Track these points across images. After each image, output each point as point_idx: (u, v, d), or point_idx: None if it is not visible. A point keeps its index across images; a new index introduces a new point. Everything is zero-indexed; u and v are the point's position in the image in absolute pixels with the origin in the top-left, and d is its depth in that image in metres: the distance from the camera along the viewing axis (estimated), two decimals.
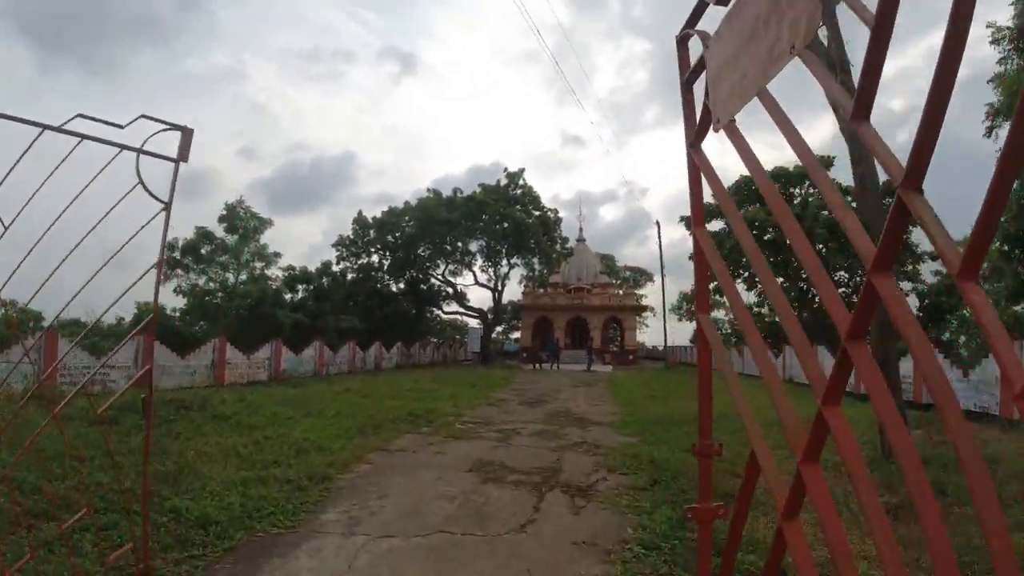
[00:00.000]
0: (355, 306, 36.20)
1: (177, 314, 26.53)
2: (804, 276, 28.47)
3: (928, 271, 28.39)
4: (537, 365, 35.74)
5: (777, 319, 22.69)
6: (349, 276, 36.45)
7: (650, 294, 66.55)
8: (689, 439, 9.17)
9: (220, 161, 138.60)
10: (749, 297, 33.29)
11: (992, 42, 16.31)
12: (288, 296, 29.27)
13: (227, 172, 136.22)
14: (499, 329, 69.55)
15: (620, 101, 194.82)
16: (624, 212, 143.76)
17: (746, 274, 31.03)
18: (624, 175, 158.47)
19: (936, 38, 0.94)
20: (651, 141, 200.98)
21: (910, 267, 26.47)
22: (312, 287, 29.12)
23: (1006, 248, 15.65)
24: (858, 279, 27.34)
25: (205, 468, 6.39)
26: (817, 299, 29.88)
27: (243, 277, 30.86)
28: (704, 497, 1.86)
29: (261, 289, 25.00)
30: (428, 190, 34.94)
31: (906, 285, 27.49)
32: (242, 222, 29.73)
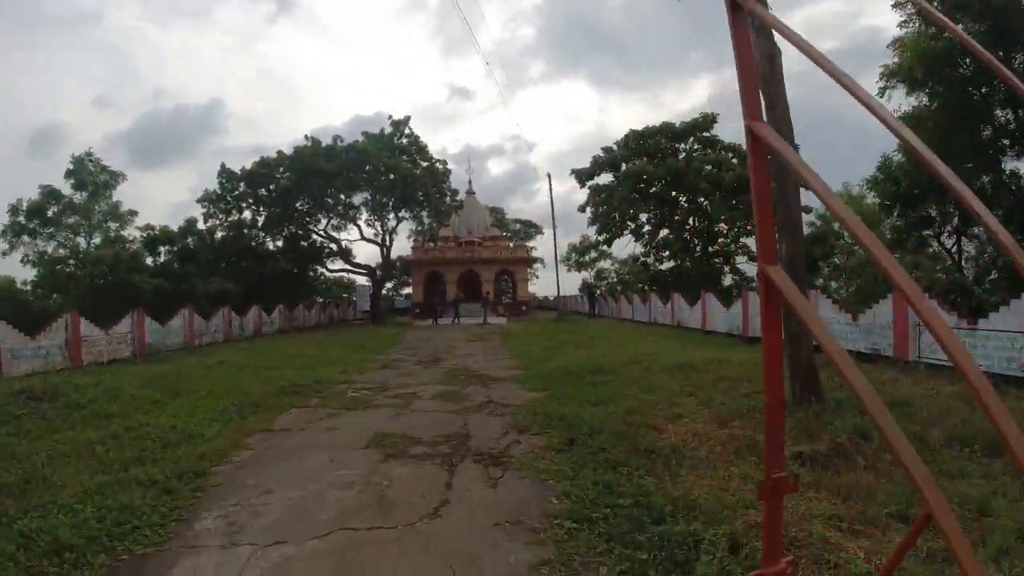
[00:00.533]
0: (228, 267, 33.29)
1: (28, 287, 22.90)
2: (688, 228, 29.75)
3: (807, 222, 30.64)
4: (435, 320, 35.09)
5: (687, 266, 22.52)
6: (219, 235, 33.29)
7: (539, 246, 67.59)
8: (595, 391, 9.06)
9: (72, 113, 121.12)
10: (635, 248, 34.47)
11: (894, 5, 17.07)
12: (149, 260, 26.14)
13: (80, 125, 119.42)
14: (389, 286, 67.78)
15: (506, 55, 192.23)
16: (512, 166, 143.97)
17: (632, 225, 32.04)
18: (513, 128, 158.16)
19: None
20: (538, 96, 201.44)
21: None
22: (175, 248, 26.09)
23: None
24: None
25: (57, 474, 5.29)
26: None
27: (97, 240, 27.18)
28: (771, 556, 1.33)
29: (115, 253, 22.01)
30: (306, 137, 32.30)
31: None
32: (91, 177, 25.93)
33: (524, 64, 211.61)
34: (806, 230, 30.45)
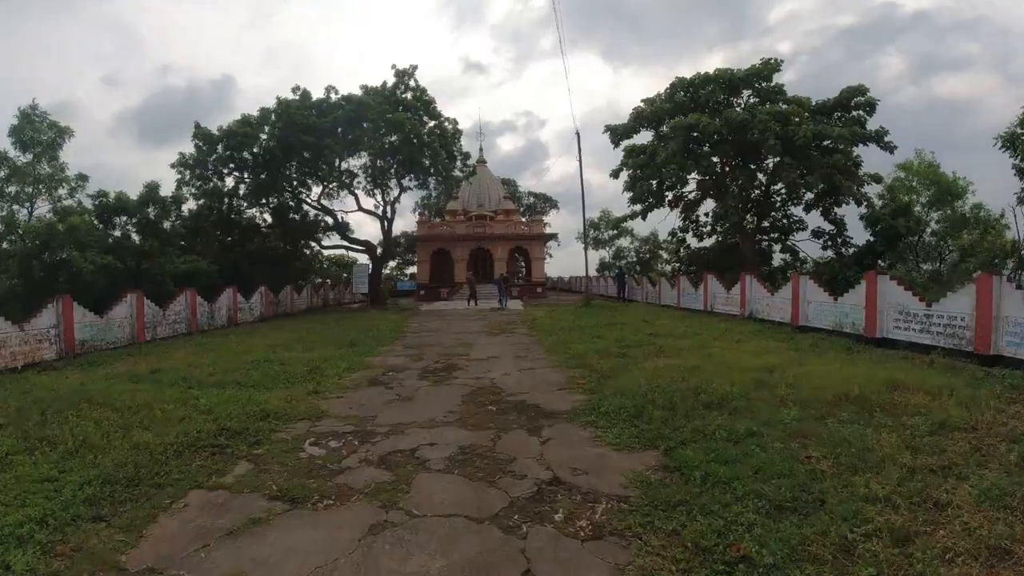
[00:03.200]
0: (205, 244, 28.94)
1: None
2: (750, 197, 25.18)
3: (874, 193, 26.02)
4: (472, 302, 30.70)
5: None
6: (191, 204, 28.79)
7: (551, 225, 62.92)
8: (743, 455, 4.28)
9: (81, 91, 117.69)
10: (673, 220, 29.88)
11: None
12: (109, 234, 21.71)
13: (90, 103, 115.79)
14: (392, 264, 63.47)
15: (518, 28, 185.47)
16: (523, 143, 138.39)
17: (670, 196, 27.41)
18: (522, 104, 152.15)
19: None
20: (548, 70, 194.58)
21: (855, 189, 23.63)
22: (135, 220, 21.65)
23: None
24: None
25: None
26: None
27: (43, 210, 22.83)
28: None
29: (49, 224, 17.61)
30: (293, 90, 27.53)
31: (853, 209, 24.93)
32: (35, 135, 21.54)
33: (535, 36, 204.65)
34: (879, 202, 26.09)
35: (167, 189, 26.21)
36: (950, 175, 27.95)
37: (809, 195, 26.26)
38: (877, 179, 25.65)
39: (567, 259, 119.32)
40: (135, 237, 22.09)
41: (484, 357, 12.15)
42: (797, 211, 27.39)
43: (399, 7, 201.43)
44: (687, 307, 21.79)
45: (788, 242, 27.46)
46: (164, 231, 23.67)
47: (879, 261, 22.75)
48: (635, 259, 59.76)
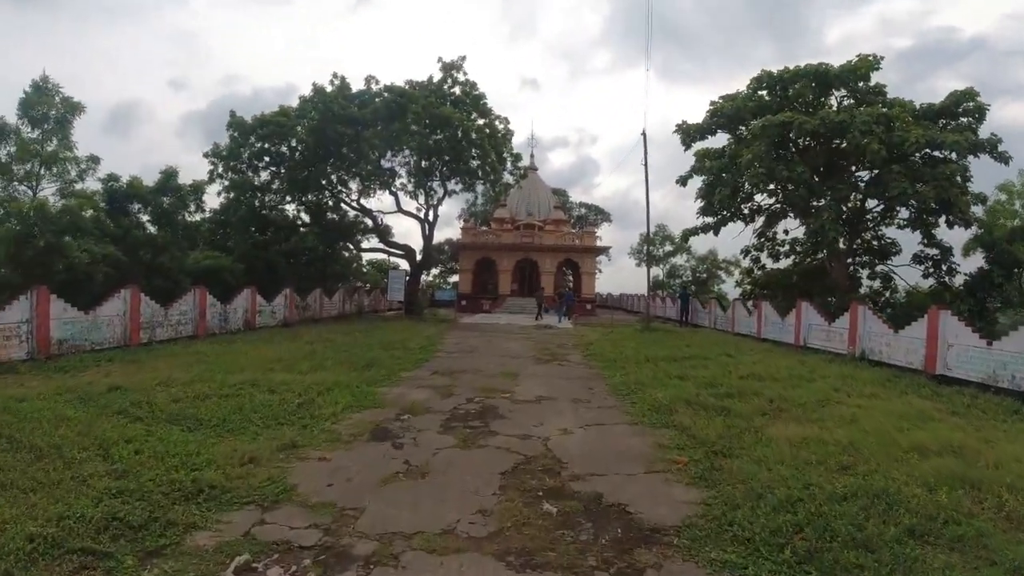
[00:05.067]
0: (234, 239, 27.08)
1: None
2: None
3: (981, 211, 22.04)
4: (539, 317, 30.12)
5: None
6: (220, 196, 26.98)
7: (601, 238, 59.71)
8: None
9: (148, 93, 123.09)
10: (747, 237, 26.38)
11: None
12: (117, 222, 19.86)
13: (157, 104, 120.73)
14: (434, 272, 61.31)
15: (570, 44, 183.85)
16: (573, 159, 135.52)
17: (747, 209, 23.99)
18: (572, 120, 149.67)
19: None
20: (601, 87, 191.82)
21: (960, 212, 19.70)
22: (149, 208, 19.70)
23: None
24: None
25: None
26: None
27: (49, 192, 21.10)
28: None
29: (39, 205, 15.64)
30: (333, 76, 25.33)
31: (958, 234, 21.08)
32: (43, 110, 19.94)
33: (588, 54, 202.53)
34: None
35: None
36: None
37: (905, 213, 22.52)
38: (983, 199, 21.69)
39: (616, 275, 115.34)
40: (151, 228, 20.18)
41: (533, 397, 9.23)
42: (889, 231, 23.71)
43: (455, 24, 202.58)
44: (770, 338, 18.39)
45: (882, 266, 23.63)
46: (182, 222, 21.73)
47: (993, 292, 18.91)
48: (690, 278, 55.98)
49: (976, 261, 21.36)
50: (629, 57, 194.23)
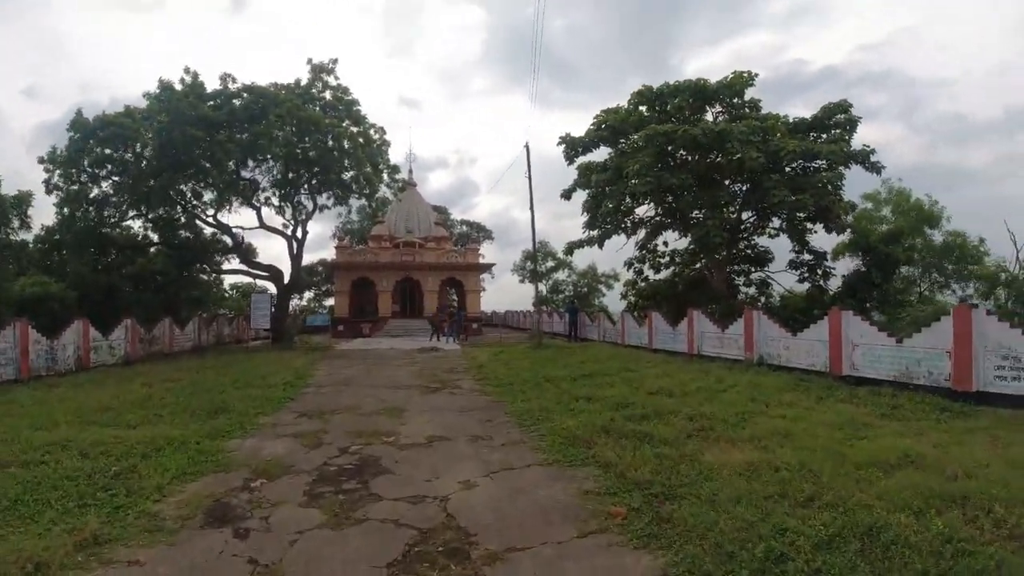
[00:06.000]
0: (69, 261, 22.97)
1: None
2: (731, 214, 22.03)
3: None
4: (436, 337, 29.69)
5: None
6: (55, 211, 22.76)
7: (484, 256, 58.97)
8: None
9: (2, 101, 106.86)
10: (629, 250, 26.47)
11: None
12: None
13: (9, 113, 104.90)
14: (308, 295, 57.18)
15: (450, 67, 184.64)
16: (452, 179, 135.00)
17: (629, 222, 23.96)
18: (448, 142, 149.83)
19: None
20: (476, 109, 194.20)
21: (837, 218, 20.84)
22: None
23: None
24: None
25: None
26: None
27: None
28: None
29: None
30: (185, 72, 22.10)
31: (824, 239, 22.36)
32: None
33: (466, 76, 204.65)
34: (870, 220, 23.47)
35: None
36: (925, 201, 26.15)
37: (776, 223, 23.63)
38: (852, 207, 23.26)
39: (498, 293, 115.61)
40: None
41: (423, 439, 7.61)
42: (762, 240, 24.78)
43: (334, 40, 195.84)
44: (663, 348, 18.06)
45: (759, 273, 24.54)
46: (6, 242, 17.73)
47: (873, 292, 20.03)
48: (571, 293, 56.61)
49: (847, 264, 22.67)
50: (505, 82, 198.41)
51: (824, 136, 21.14)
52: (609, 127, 21.44)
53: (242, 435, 7.90)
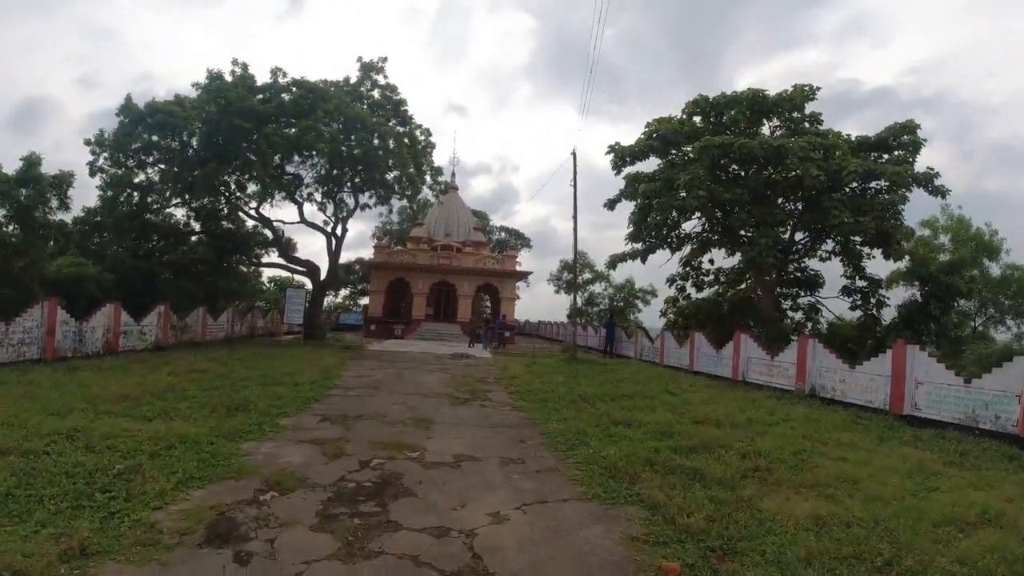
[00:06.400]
0: (107, 245, 23.35)
1: None
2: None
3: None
4: (474, 344, 29.79)
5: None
6: (98, 194, 23.18)
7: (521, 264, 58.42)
8: None
9: (55, 88, 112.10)
10: (671, 267, 25.56)
11: None
12: None
13: (65, 101, 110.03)
14: (344, 293, 57.56)
15: (497, 74, 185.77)
16: (494, 185, 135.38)
17: (675, 237, 23.09)
18: (491, 150, 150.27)
19: None
20: (521, 119, 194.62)
21: (897, 244, 19.59)
22: (6, 203, 16.11)
23: None
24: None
25: None
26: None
27: None
28: None
29: None
30: (234, 63, 22.24)
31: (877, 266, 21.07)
32: None
33: (511, 85, 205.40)
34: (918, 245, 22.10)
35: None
36: (985, 231, 24.52)
37: (829, 245, 22.45)
38: (911, 233, 21.91)
39: (532, 302, 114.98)
40: (12, 227, 16.65)
41: (451, 457, 7.04)
42: (811, 263, 23.59)
43: (384, 44, 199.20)
44: (705, 372, 17.16)
45: (809, 298, 23.34)
46: (42, 221, 17.98)
47: (931, 324, 18.71)
48: (607, 306, 55.62)
49: (899, 294, 21.36)
50: (551, 91, 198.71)
51: (886, 157, 19.99)
52: (660, 136, 20.68)
53: (260, 437, 7.47)
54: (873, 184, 19.01)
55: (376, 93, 24.17)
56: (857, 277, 21.70)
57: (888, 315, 20.75)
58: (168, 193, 24.32)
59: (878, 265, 21.69)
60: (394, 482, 5.88)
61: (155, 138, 22.76)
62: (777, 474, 6.49)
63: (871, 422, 9.92)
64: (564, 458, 7.23)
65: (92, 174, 22.94)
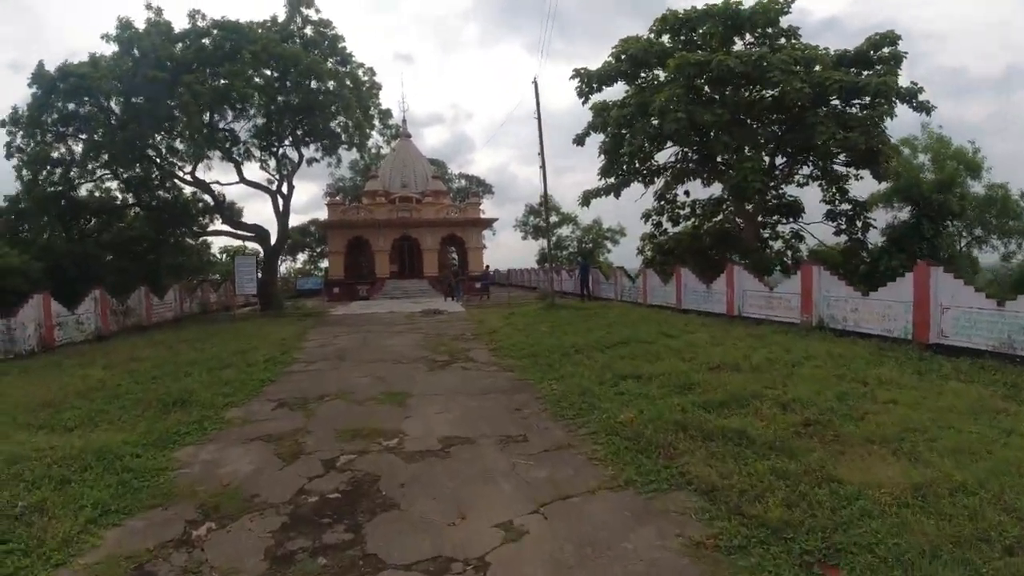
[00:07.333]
0: (33, 229, 21.14)
1: None
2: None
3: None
4: (448, 298, 29.24)
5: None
6: (15, 176, 20.78)
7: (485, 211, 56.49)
8: None
9: None
10: (647, 201, 24.34)
11: None
12: None
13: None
14: (303, 258, 55.08)
15: (439, 15, 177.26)
16: (448, 135, 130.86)
17: (647, 169, 21.75)
18: (443, 96, 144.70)
19: None
20: (471, 61, 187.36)
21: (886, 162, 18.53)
22: None
23: None
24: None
25: None
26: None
27: None
28: None
29: None
30: (147, 7, 19.41)
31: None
32: None
33: (458, 26, 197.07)
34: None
35: None
36: (968, 148, 23.78)
37: (806, 170, 21.49)
38: (897, 150, 20.95)
39: (498, 251, 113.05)
40: None
41: (438, 443, 5.73)
42: (789, 190, 22.64)
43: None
44: (694, 309, 16.18)
45: (791, 225, 22.46)
46: None
47: (923, 246, 17.95)
48: (577, 249, 54.59)
49: (882, 216, 20.49)
50: (500, 33, 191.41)
51: (866, 73, 18.79)
52: (630, 57, 18.99)
53: (200, 439, 6.03)
54: (856, 101, 17.85)
55: (309, 30, 21.66)
56: (839, 200, 20.80)
57: (873, 239, 19.98)
58: (90, 166, 21.82)
59: (858, 187, 20.78)
60: (368, 489, 4.56)
61: (71, 106, 20.22)
62: (834, 428, 5.38)
63: (899, 353, 8.97)
64: (574, 428, 6.02)
65: (8, 156, 20.47)
